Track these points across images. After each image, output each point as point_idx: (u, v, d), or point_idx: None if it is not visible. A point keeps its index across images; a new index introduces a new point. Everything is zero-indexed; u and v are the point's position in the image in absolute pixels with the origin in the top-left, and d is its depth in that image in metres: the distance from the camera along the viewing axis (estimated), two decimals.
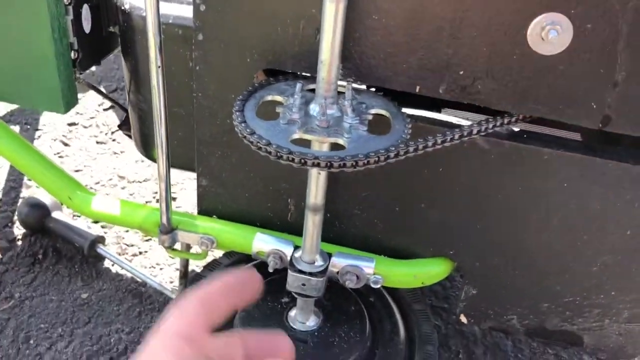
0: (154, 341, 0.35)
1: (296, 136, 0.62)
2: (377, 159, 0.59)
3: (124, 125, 1.00)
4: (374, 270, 0.77)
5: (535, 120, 0.70)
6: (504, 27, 0.62)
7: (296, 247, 0.79)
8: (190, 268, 1.04)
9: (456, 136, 0.65)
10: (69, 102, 0.84)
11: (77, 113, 1.57)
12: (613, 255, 0.74)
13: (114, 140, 1.51)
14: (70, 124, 1.53)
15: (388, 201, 0.78)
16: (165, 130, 0.75)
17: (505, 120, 0.68)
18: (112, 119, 1.57)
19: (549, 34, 0.60)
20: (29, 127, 1.53)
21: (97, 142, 1.48)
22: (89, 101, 1.60)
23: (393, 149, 0.60)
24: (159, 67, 0.68)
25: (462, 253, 0.79)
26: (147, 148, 0.92)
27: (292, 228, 0.83)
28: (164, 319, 0.36)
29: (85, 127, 1.53)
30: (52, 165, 0.91)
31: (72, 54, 0.83)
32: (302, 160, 0.58)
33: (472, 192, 0.74)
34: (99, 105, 1.58)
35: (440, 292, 1.16)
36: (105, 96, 1.02)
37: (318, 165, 0.59)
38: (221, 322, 0.38)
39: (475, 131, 0.66)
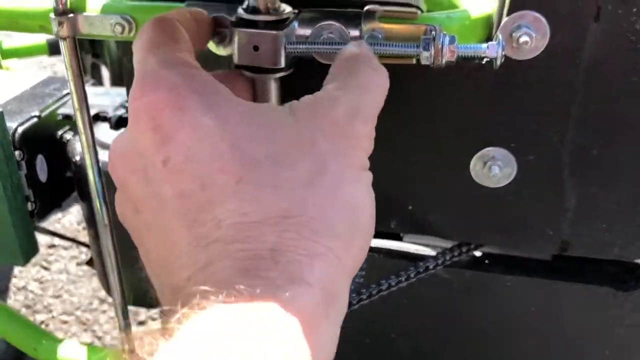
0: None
1: None
2: None
3: (92, 262, 0.98)
4: None
5: None
6: (447, 164, 0.61)
7: None
8: None
9: (412, 275, 0.63)
10: (28, 253, 0.82)
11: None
12: None
13: None
14: (50, 246, 1.52)
15: (357, 332, 0.75)
16: (119, 278, 0.73)
17: (464, 249, 0.66)
18: None
19: (491, 170, 0.59)
20: None
21: (78, 264, 1.47)
22: (69, 221, 1.59)
23: None
24: (106, 225, 0.67)
25: None
26: (108, 287, 0.90)
27: None
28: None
29: (65, 248, 1.52)
30: (16, 317, 0.89)
31: (29, 206, 0.82)
32: None
33: (441, 321, 0.72)
34: (78, 224, 1.57)
35: None
36: (63, 237, 1.01)
37: None
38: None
39: (431, 266, 0.64)
